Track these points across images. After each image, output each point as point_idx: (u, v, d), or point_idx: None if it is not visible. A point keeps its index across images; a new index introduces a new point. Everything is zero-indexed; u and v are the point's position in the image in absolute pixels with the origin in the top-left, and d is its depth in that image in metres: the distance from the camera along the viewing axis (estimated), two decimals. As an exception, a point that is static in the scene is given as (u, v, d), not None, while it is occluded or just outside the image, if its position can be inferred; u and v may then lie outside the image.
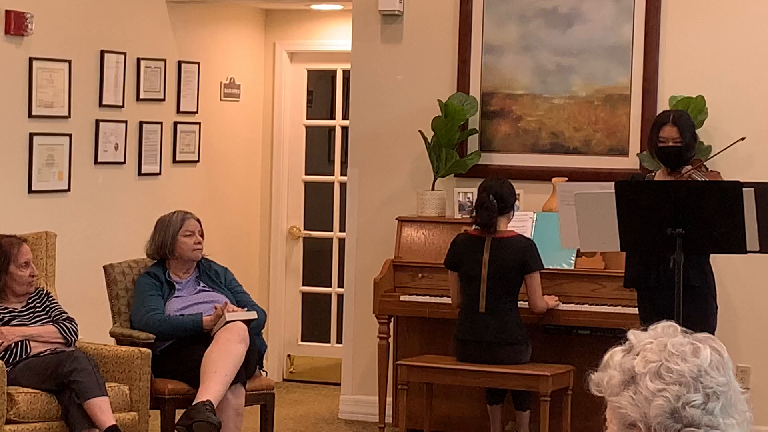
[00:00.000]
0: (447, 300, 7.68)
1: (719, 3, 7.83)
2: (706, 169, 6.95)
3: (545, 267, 7.46)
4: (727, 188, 6.20)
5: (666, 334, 2.26)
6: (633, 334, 2.27)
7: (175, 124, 9.02)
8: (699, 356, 2.23)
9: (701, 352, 2.24)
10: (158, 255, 7.12)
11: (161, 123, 8.88)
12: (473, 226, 7.50)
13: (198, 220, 7.17)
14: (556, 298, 7.57)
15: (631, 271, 6.90)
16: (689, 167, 6.74)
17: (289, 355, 9.89)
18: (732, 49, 7.81)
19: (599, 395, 2.25)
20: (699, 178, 6.61)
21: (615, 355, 2.26)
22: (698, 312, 6.58)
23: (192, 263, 7.15)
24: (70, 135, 8.16)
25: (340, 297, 9.28)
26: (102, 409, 6.33)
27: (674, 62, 7.92)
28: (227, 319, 6.81)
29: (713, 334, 6.65)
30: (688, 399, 2.20)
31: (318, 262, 9.87)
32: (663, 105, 7.82)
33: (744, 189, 6.07)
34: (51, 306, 6.82)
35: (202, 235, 7.16)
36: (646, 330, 2.27)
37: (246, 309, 7.01)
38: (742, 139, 6.81)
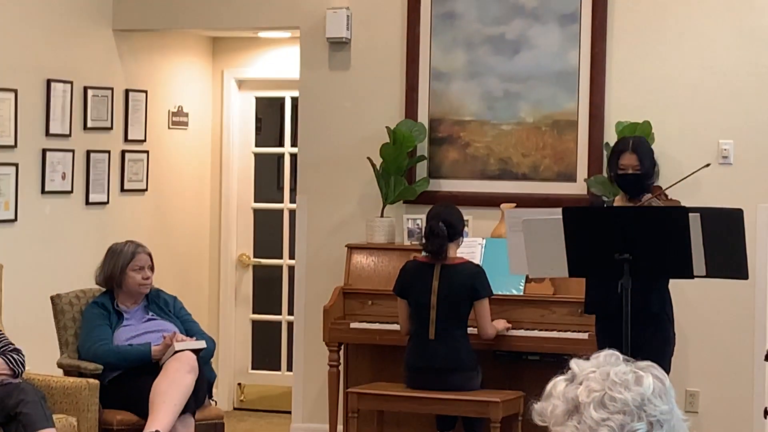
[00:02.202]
0: (397, 327, 7.68)
1: (664, 30, 7.89)
2: (666, 197, 6.98)
3: (494, 293, 7.48)
4: (674, 214, 6.24)
5: (608, 362, 2.27)
6: (575, 363, 2.27)
7: (123, 152, 8.99)
8: (642, 385, 2.24)
9: (644, 381, 2.24)
10: (107, 285, 7.09)
11: (109, 152, 8.85)
12: (422, 253, 7.51)
13: (149, 255, 7.13)
14: (506, 322, 7.58)
15: (592, 297, 6.91)
16: (649, 195, 6.78)
17: (239, 384, 9.85)
18: (677, 75, 7.87)
19: (543, 425, 2.26)
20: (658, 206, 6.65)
21: (558, 384, 2.26)
22: (658, 339, 6.61)
23: (140, 295, 7.12)
24: (16, 164, 8.12)
25: (290, 324, 9.26)
26: (49, 441, 6.30)
27: (620, 88, 7.97)
28: (176, 349, 6.79)
29: (670, 362, 6.72)
30: (632, 428, 2.21)
31: (268, 289, 9.85)
32: (610, 130, 7.87)
33: (690, 214, 6.11)
34: (-3, 337, 6.79)
35: (152, 269, 7.12)
36: (588, 359, 2.28)
37: (195, 338, 7.00)
38: (707, 165, 6.85)
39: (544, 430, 2.27)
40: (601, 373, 2.24)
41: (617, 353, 2.28)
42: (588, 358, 2.28)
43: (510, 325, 7.59)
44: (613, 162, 6.89)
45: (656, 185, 7.03)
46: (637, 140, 7.00)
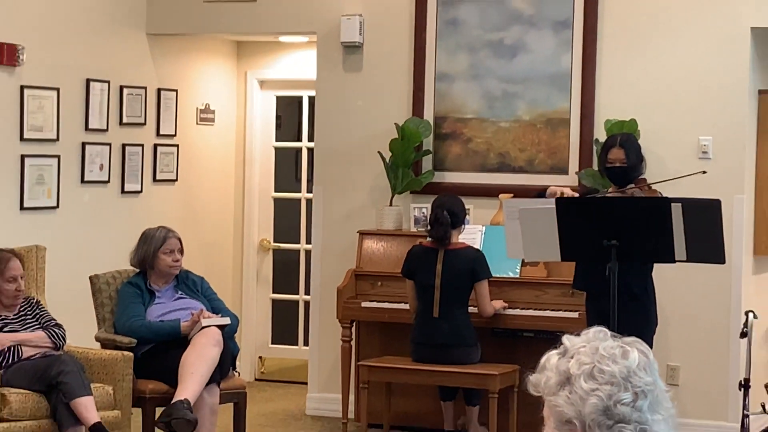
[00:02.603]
0: (404, 306, 7.68)
1: (649, 36, 7.87)
2: (649, 187, 6.98)
3: (493, 275, 7.48)
4: (657, 204, 6.23)
5: (597, 338, 2.26)
6: (567, 339, 2.27)
7: (155, 146, 8.99)
8: (628, 358, 2.23)
9: (630, 355, 2.24)
10: (140, 266, 7.10)
11: (142, 145, 8.85)
12: (428, 239, 7.51)
13: (179, 239, 7.12)
14: (503, 302, 7.58)
15: (579, 275, 6.91)
16: (632, 186, 6.78)
17: (260, 357, 9.86)
18: (661, 76, 7.85)
19: (537, 395, 2.26)
20: (640, 195, 6.65)
21: (551, 358, 2.26)
22: (639, 319, 6.60)
23: (171, 276, 7.12)
24: (58, 156, 8.12)
25: (306, 303, 9.27)
26: (87, 408, 6.30)
27: (609, 88, 7.96)
28: (203, 325, 6.79)
29: (652, 339, 6.72)
30: (619, 398, 2.20)
31: (286, 272, 9.86)
32: (599, 127, 7.86)
33: (672, 204, 6.10)
34: (41, 313, 6.79)
35: (181, 252, 7.12)
36: (579, 335, 2.28)
37: (220, 315, 6.99)
38: (704, 172, 6.86)
39: (539, 400, 2.26)
40: (591, 347, 2.24)
41: (605, 330, 2.28)
42: (579, 335, 2.27)
43: (507, 305, 7.59)
44: (602, 156, 6.90)
45: (642, 177, 7.03)
46: (625, 136, 7.00)
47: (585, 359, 2.22)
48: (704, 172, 6.88)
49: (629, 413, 2.20)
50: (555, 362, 2.24)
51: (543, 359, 2.26)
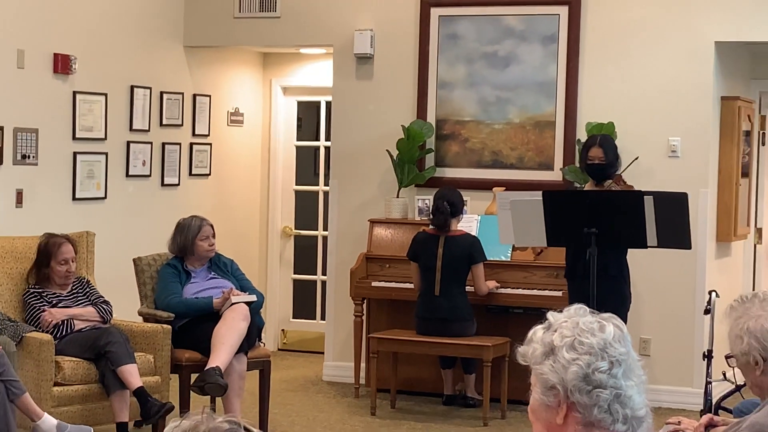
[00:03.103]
0: (409, 285, 7.69)
1: (626, 48, 7.86)
2: (624, 182, 6.97)
3: (487, 259, 7.48)
4: (631, 196, 6.23)
5: (577, 314, 2.26)
6: (551, 315, 2.27)
7: (191, 144, 8.99)
8: (604, 332, 2.23)
9: (606, 328, 2.23)
10: (180, 253, 7.07)
11: (180, 144, 8.86)
12: (430, 226, 7.51)
13: (211, 226, 7.11)
14: (496, 282, 7.59)
15: (569, 265, 6.90)
16: (610, 181, 6.77)
17: (282, 330, 9.87)
18: (636, 84, 7.84)
19: (525, 364, 2.26)
20: (616, 189, 6.65)
21: (537, 332, 2.26)
22: (615, 297, 6.60)
23: (207, 258, 7.12)
24: (106, 153, 8.13)
25: (323, 283, 9.26)
26: (132, 374, 6.31)
27: (590, 95, 7.95)
28: (233, 301, 6.79)
29: (626, 315, 6.73)
30: (596, 366, 2.19)
31: (306, 255, 9.86)
32: (581, 129, 7.85)
33: (645, 197, 6.10)
34: (90, 291, 6.80)
35: (214, 237, 7.13)
36: (561, 311, 2.28)
37: (248, 293, 6.99)
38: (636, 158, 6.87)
39: (527, 369, 2.27)
40: (572, 322, 2.24)
41: (585, 307, 2.27)
42: (561, 311, 2.27)
43: (499, 285, 7.59)
44: (583, 154, 6.89)
45: (618, 174, 7.03)
46: (603, 137, 6.99)
47: (567, 332, 2.22)
48: (636, 158, 6.83)
49: (606, 380, 2.19)
50: (540, 335, 2.24)
51: (530, 333, 2.26)
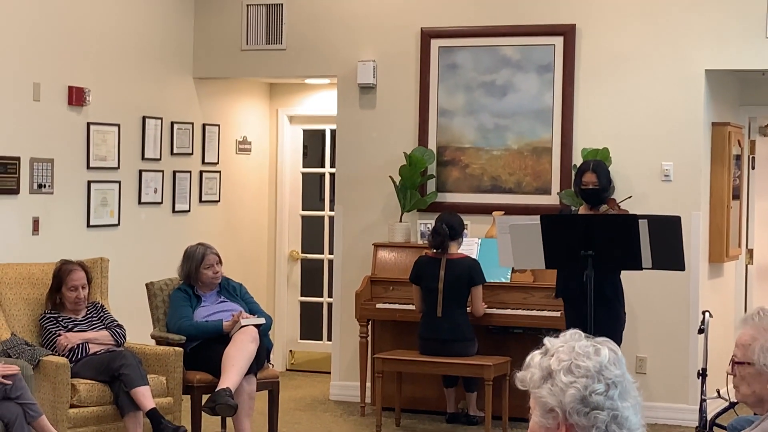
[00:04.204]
0: (413, 307, 7.68)
1: (619, 76, 7.88)
2: (618, 207, 6.98)
3: (487, 281, 7.48)
4: (627, 220, 6.23)
5: (573, 339, 2.26)
6: (548, 340, 2.26)
7: (201, 172, 9.01)
8: (600, 355, 2.22)
9: (601, 352, 2.23)
10: (187, 280, 7.08)
11: (190, 172, 8.87)
12: (432, 250, 7.52)
13: (216, 253, 7.09)
14: (485, 304, 7.53)
15: (559, 285, 6.91)
16: (605, 206, 6.77)
17: (290, 351, 9.86)
18: (629, 111, 7.86)
19: (524, 389, 2.26)
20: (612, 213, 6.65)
21: (534, 357, 2.25)
22: (610, 318, 6.59)
23: (213, 285, 7.11)
24: (119, 182, 8.15)
25: (329, 305, 9.27)
26: (145, 396, 6.31)
27: (585, 122, 7.96)
28: (242, 324, 6.79)
29: (621, 335, 6.73)
30: (593, 388, 2.19)
31: (312, 278, 9.86)
32: (577, 155, 7.86)
33: (639, 220, 6.11)
34: (105, 315, 6.81)
35: (220, 263, 7.10)
36: (557, 336, 2.28)
37: (256, 316, 7.00)
38: (629, 197, 6.90)
39: (526, 393, 2.27)
40: (568, 347, 2.23)
41: (580, 332, 2.28)
42: (557, 336, 2.28)
43: (486, 305, 7.51)
44: (577, 179, 6.90)
45: (611, 198, 7.03)
46: (597, 162, 7.00)
47: (563, 357, 2.22)
48: (630, 197, 6.87)
49: (603, 401, 2.19)
50: (538, 360, 2.24)
51: (528, 358, 2.26)
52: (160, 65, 8.58)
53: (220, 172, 9.21)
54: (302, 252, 9.88)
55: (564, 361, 2.21)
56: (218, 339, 6.78)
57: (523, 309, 7.60)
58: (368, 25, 8.41)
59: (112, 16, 8.08)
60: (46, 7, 7.53)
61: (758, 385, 3.21)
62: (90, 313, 6.75)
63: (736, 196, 8.28)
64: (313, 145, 9.95)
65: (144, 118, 8.37)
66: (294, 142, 9.86)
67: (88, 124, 7.86)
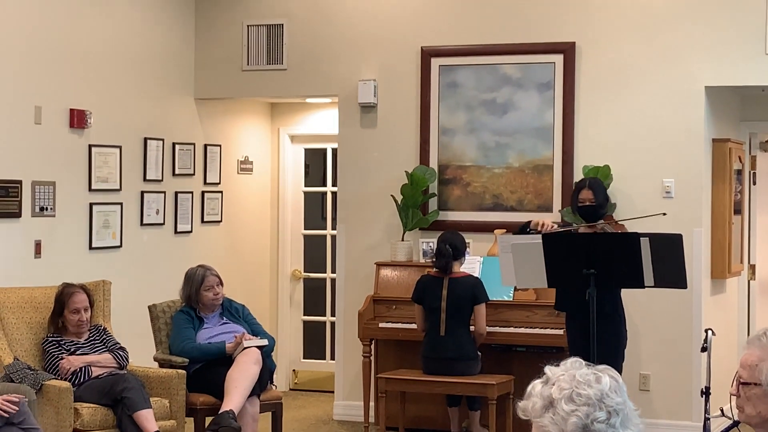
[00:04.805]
0: (415, 326, 7.67)
1: (619, 93, 7.88)
2: (615, 223, 6.97)
3: (490, 299, 7.47)
4: (629, 238, 6.22)
5: (574, 367, 2.25)
6: (549, 369, 2.25)
7: (203, 192, 9.01)
8: (601, 382, 2.22)
9: (602, 380, 2.22)
10: (188, 303, 7.08)
11: (192, 192, 8.87)
12: (434, 269, 7.50)
13: (216, 275, 7.09)
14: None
15: (559, 299, 6.90)
16: (602, 221, 6.77)
17: (294, 370, 9.85)
18: (630, 128, 7.86)
19: (525, 419, 2.25)
20: (609, 230, 6.64)
21: (536, 386, 2.24)
22: (611, 335, 6.58)
23: (215, 306, 7.11)
24: (121, 203, 8.15)
25: (332, 324, 9.26)
26: (148, 419, 6.29)
27: (586, 139, 7.96)
28: (245, 346, 6.79)
29: (623, 352, 6.70)
30: (595, 416, 2.18)
31: (315, 297, 9.85)
32: (578, 172, 7.86)
33: (641, 238, 6.10)
34: (107, 338, 6.80)
35: (221, 284, 7.10)
36: (558, 365, 2.27)
37: (259, 337, 6.99)
38: (664, 214, 6.89)
39: (528, 421, 2.26)
40: (569, 375, 2.23)
41: (580, 360, 2.26)
42: (558, 365, 2.27)
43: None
44: (574, 196, 6.90)
45: (609, 215, 7.03)
46: (593, 180, 7.00)
47: (564, 385, 2.21)
48: (664, 214, 6.87)
49: (604, 429, 2.18)
50: (539, 389, 2.23)
51: (529, 388, 2.25)
52: (162, 86, 8.59)
53: (222, 192, 9.21)
54: (305, 271, 9.87)
55: (565, 389, 2.20)
56: (221, 361, 6.78)
57: (526, 327, 7.58)
58: (369, 44, 8.42)
59: (112, 38, 8.09)
60: (47, 30, 7.54)
61: (764, 407, 3.19)
62: (92, 336, 6.74)
63: (738, 211, 8.27)
64: (315, 164, 9.95)
65: (145, 139, 8.37)
66: (295, 161, 9.86)
67: (90, 146, 7.86)
